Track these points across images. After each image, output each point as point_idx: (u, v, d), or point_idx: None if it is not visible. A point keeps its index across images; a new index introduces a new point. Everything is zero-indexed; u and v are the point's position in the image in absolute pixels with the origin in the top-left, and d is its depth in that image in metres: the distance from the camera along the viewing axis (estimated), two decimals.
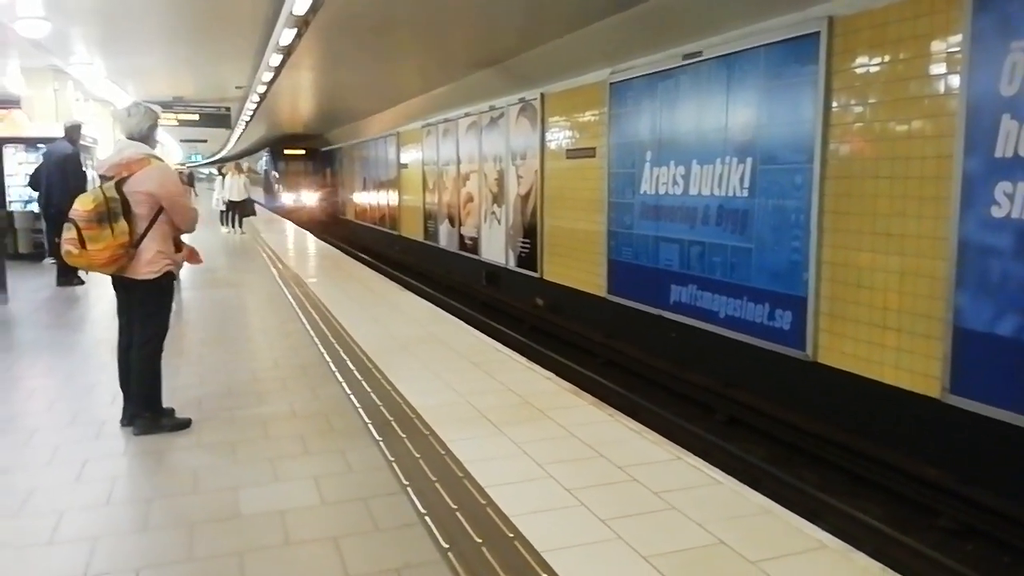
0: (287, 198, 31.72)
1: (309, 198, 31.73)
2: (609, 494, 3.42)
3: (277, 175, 32.62)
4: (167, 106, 18.31)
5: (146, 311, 4.32)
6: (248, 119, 24.06)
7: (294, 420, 4.54)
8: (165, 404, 4.43)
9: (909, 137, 6.01)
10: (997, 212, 5.23)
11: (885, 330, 6.28)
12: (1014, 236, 5.14)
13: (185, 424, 4.36)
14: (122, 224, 4.05)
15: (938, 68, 5.76)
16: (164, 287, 4.33)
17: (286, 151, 32.30)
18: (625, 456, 3.86)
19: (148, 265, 4.19)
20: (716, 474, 3.66)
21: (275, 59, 12.20)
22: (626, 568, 2.79)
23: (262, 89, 16.11)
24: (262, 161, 36.92)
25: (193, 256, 4.68)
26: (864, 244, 6.46)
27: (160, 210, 4.20)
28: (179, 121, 19.74)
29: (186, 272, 8.83)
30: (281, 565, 2.86)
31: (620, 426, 4.35)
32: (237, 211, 19.01)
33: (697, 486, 3.53)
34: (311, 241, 17.80)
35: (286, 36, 10.37)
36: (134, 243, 4.12)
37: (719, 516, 3.20)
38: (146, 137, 4.36)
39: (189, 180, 24.29)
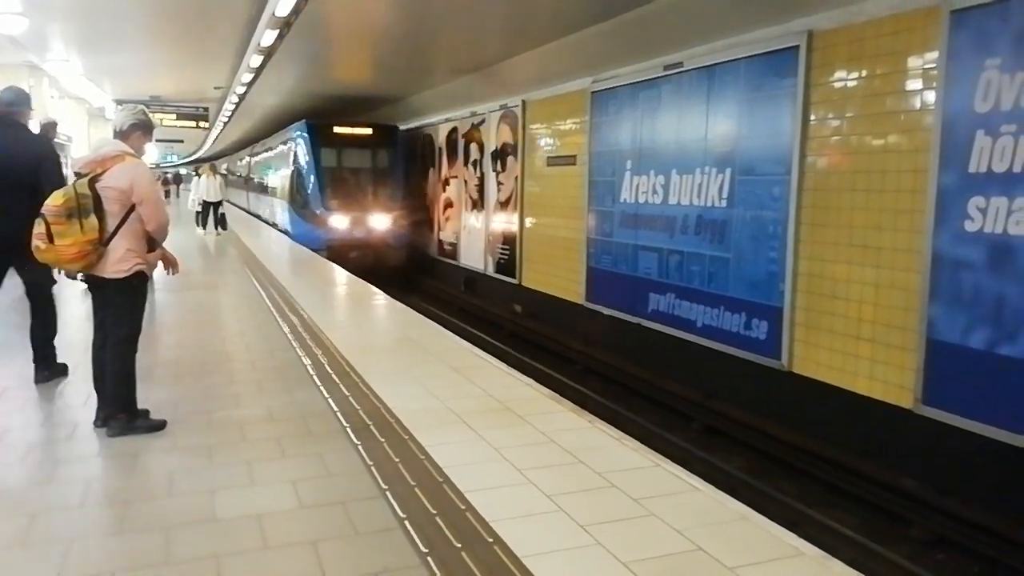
0: (336, 221, 16.35)
1: (380, 221, 16.62)
2: (589, 500, 3.43)
3: (315, 176, 16.88)
4: (144, 105, 18.11)
5: (117, 311, 4.26)
6: (227, 120, 23.88)
7: (271, 423, 4.50)
8: (140, 406, 4.37)
9: (885, 151, 6.11)
10: (970, 226, 5.33)
11: (859, 341, 6.37)
12: (986, 250, 5.24)
13: (160, 426, 4.31)
14: (92, 220, 3.99)
15: (914, 84, 5.87)
16: (135, 287, 4.27)
17: (336, 129, 17.21)
18: (605, 462, 3.87)
19: (118, 264, 4.13)
20: (695, 481, 3.68)
21: (255, 60, 12.12)
22: (606, 574, 2.80)
23: (241, 90, 16.01)
24: (279, 150, 21.16)
25: (169, 263, 4.61)
26: (840, 256, 6.55)
27: (132, 208, 4.15)
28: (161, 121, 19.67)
29: (159, 273, 8.73)
30: (259, 569, 2.83)
31: (600, 432, 4.36)
32: (213, 211, 18.84)
33: (676, 493, 3.55)
34: (288, 243, 17.70)
35: (267, 37, 10.31)
36: (104, 240, 4.07)
37: (698, 523, 3.22)
38: (126, 134, 4.31)
39: (175, 180, 24.44)
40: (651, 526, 3.19)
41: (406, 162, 17.84)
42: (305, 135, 17.20)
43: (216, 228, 18.66)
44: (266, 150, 24.77)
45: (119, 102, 17.23)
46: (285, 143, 19.78)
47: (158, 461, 3.91)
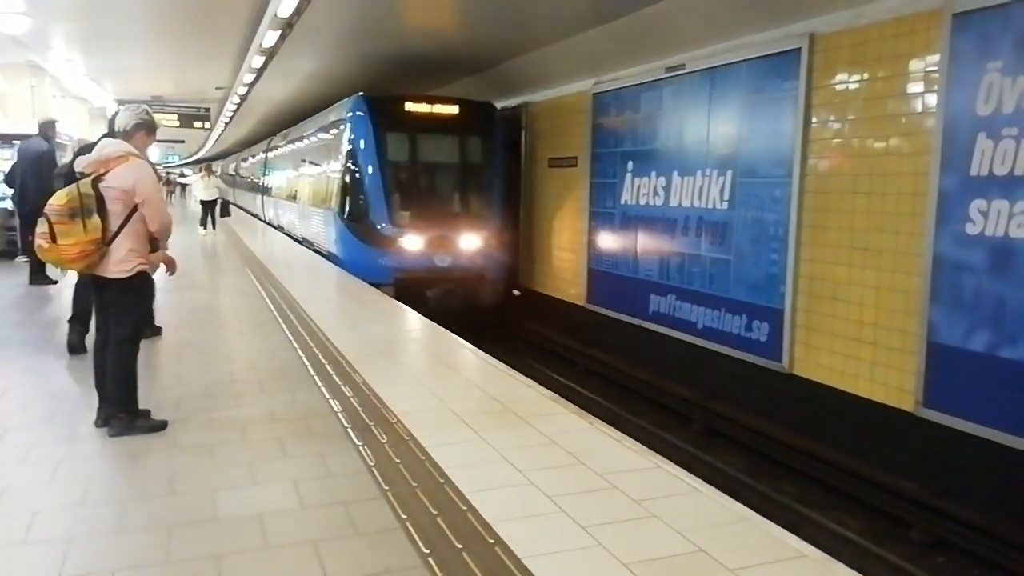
0: (409, 242, 11.42)
1: (471, 242, 11.67)
2: (590, 501, 3.43)
3: (376, 176, 11.70)
4: (147, 105, 18.12)
5: (119, 311, 4.26)
6: (228, 120, 23.89)
7: (272, 423, 4.50)
8: (141, 405, 4.37)
9: (886, 154, 6.12)
10: (971, 229, 5.33)
11: (860, 344, 6.37)
12: (988, 253, 5.24)
13: (161, 426, 4.30)
14: (95, 220, 3.99)
15: (916, 87, 5.87)
16: (137, 287, 4.27)
17: (409, 106, 11.96)
18: (606, 463, 3.87)
19: (120, 264, 4.13)
20: (696, 482, 3.68)
21: (257, 61, 12.14)
22: (606, 575, 2.79)
23: (243, 91, 16.02)
24: (317, 140, 15.45)
25: (168, 264, 4.60)
26: (841, 258, 6.55)
27: (135, 208, 4.15)
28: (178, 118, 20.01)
29: (159, 274, 8.73)
30: (260, 568, 2.83)
31: (601, 434, 4.36)
32: (209, 211, 18.87)
33: (677, 494, 3.55)
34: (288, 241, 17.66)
35: (269, 38, 10.32)
36: (106, 240, 4.07)
37: (699, 524, 3.22)
38: (130, 134, 4.32)
39: (166, 182, 23.66)
40: (652, 527, 3.19)
41: (506, 155, 12.26)
42: (362, 115, 11.61)
43: (212, 226, 18.68)
44: (294, 141, 18.23)
45: (121, 102, 17.22)
46: (328, 129, 13.79)
47: (159, 460, 3.91)
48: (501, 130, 12.21)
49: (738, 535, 3.14)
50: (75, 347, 5.90)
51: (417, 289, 10.73)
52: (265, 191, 24.08)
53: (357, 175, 11.75)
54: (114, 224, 4.09)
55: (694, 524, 3.21)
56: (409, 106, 11.75)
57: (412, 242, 11.24)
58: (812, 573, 2.86)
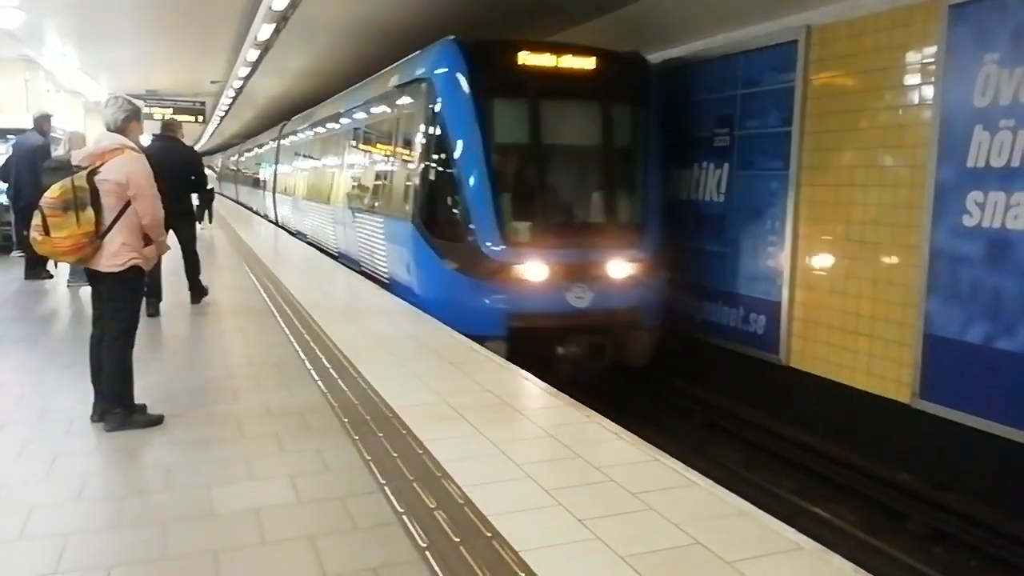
0: (530, 271, 7.27)
1: (621, 269, 7.47)
2: (587, 494, 3.43)
3: (477, 166, 7.46)
4: (139, 99, 18.07)
5: (113, 305, 4.25)
6: (223, 114, 23.82)
7: (269, 418, 4.49)
8: (137, 400, 4.36)
9: (884, 146, 6.11)
10: (968, 221, 5.33)
11: (857, 336, 6.37)
12: (984, 245, 5.24)
13: (158, 420, 4.30)
14: (88, 213, 3.97)
15: (913, 78, 5.86)
16: (131, 280, 4.25)
17: (523, 58, 7.61)
18: (603, 457, 3.87)
19: (113, 257, 4.12)
20: (692, 475, 3.68)
21: (252, 54, 12.10)
22: (604, 568, 2.79)
23: (238, 84, 15.96)
24: (372, 114, 10.84)
25: (163, 247, 4.59)
26: (837, 251, 6.55)
27: (129, 202, 4.14)
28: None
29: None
30: (257, 564, 2.83)
31: (598, 427, 4.36)
32: (207, 204, 18.78)
33: (674, 487, 3.55)
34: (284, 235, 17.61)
35: (264, 31, 10.28)
36: (100, 234, 4.05)
37: (696, 517, 3.22)
38: (122, 129, 4.30)
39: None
40: (649, 520, 3.19)
41: (664, 135, 8.25)
42: (454, 71, 7.73)
43: (209, 219, 18.59)
44: (326, 123, 13.94)
45: (115, 96, 17.15)
46: (393, 98, 9.41)
47: (155, 456, 3.91)
48: (657, 96, 8.18)
49: (735, 527, 3.14)
50: (152, 315, 7.11)
51: (543, 344, 7.17)
52: (275, 187, 20.22)
53: (446, 166, 7.63)
54: (108, 217, 4.07)
55: (691, 517, 3.22)
56: (526, 58, 7.61)
57: (535, 270, 7.21)
58: (808, 564, 2.86)
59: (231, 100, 19.56)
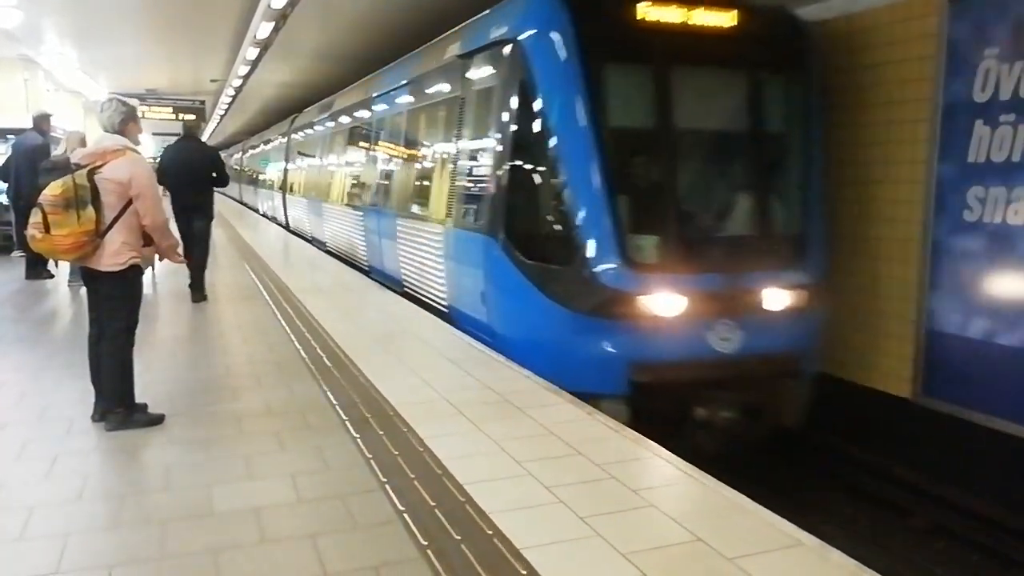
0: (664, 305, 5.24)
1: (781, 300, 5.52)
2: (588, 491, 3.42)
3: (577, 149, 5.40)
4: (140, 99, 18.08)
5: (112, 304, 4.25)
6: (223, 113, 23.81)
7: (269, 417, 4.49)
8: (138, 399, 4.36)
9: (884, 141, 6.09)
10: (969, 216, 5.32)
11: (855, 332, 6.36)
12: (985, 240, 5.23)
13: (158, 420, 4.30)
14: (89, 212, 3.98)
15: (913, 73, 5.84)
16: (131, 280, 4.25)
17: (645, 12, 5.52)
18: (603, 454, 3.87)
19: (113, 256, 4.12)
20: (693, 472, 3.68)
21: (252, 53, 12.08)
22: (604, 565, 2.79)
23: (238, 83, 15.95)
24: (410, 95, 9.06)
25: (171, 253, 4.58)
26: (836, 246, 6.53)
27: (130, 202, 4.14)
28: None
29: (160, 268, 8.68)
30: (257, 563, 2.82)
31: (599, 424, 4.35)
32: None
33: (674, 483, 3.55)
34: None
35: (263, 29, 10.27)
36: (100, 233, 4.05)
37: (696, 513, 3.22)
38: (120, 130, 4.29)
39: None
40: (650, 517, 3.19)
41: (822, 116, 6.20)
42: (552, 30, 5.68)
43: None
44: (357, 108, 11.65)
45: (115, 95, 17.14)
46: (461, 71, 7.19)
47: (155, 455, 3.91)
48: (819, 64, 6.15)
49: (735, 523, 3.14)
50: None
51: (677, 404, 5.45)
52: (286, 187, 18.25)
53: (539, 160, 5.80)
54: (108, 216, 4.07)
55: (691, 513, 3.21)
56: (650, 10, 5.65)
57: (667, 303, 5.32)
58: (808, 560, 2.86)
59: (231, 98, 19.56)
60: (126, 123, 4.33)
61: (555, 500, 3.33)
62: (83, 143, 6.53)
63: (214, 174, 8.48)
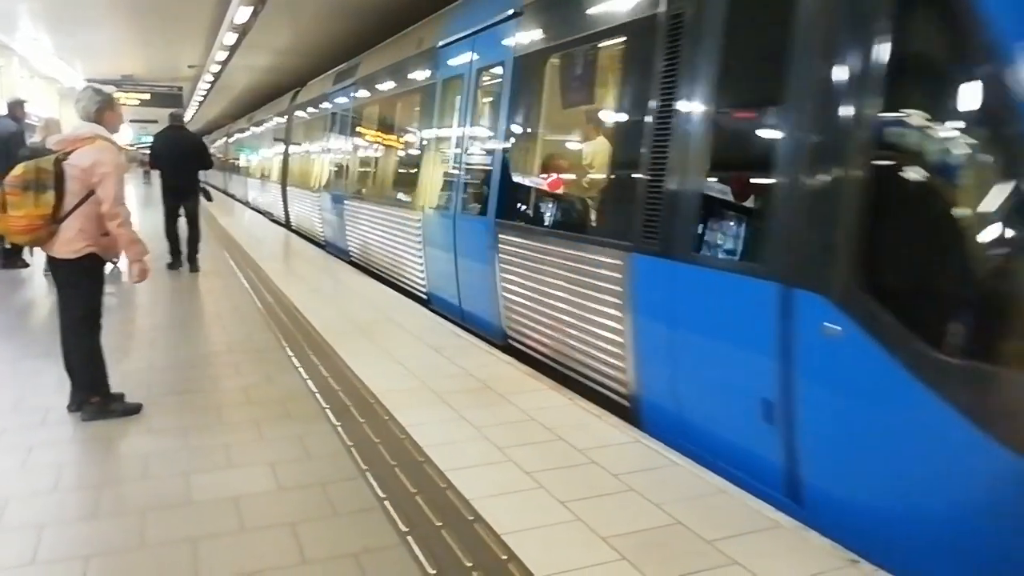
0: None
1: None
2: (568, 477, 3.43)
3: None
4: (115, 84, 17.82)
5: (67, 292, 4.19)
6: (202, 99, 23.51)
7: (249, 405, 4.46)
8: (115, 389, 4.31)
9: None
10: None
11: None
12: None
13: (135, 409, 4.25)
14: (48, 196, 3.92)
15: None
16: (87, 268, 4.14)
17: None
18: (584, 439, 3.88)
19: (67, 244, 4.05)
20: (674, 455, 3.69)
21: (230, 38, 11.93)
22: (585, 549, 2.80)
23: (216, 68, 15.76)
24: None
25: (131, 247, 4.20)
26: None
27: (92, 191, 4.06)
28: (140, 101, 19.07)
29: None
30: (236, 551, 2.81)
31: (580, 410, 4.36)
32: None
33: (655, 467, 3.56)
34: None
35: (241, 14, 10.14)
36: (57, 219, 3.98)
37: (677, 497, 3.23)
38: (96, 119, 4.21)
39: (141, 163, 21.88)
40: (630, 501, 3.20)
41: None
42: None
43: None
44: (431, 62, 7.73)
45: (91, 80, 16.88)
46: None
47: (132, 445, 3.87)
48: None
49: (715, 507, 3.16)
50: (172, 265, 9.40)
51: None
52: (287, 178, 15.83)
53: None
54: (69, 203, 4.01)
55: (672, 497, 3.23)
56: None
57: None
58: (787, 542, 2.88)
59: (210, 84, 19.31)
60: (102, 112, 4.25)
61: (536, 485, 3.33)
62: (60, 129, 6.42)
63: (200, 158, 9.72)
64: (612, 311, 4.37)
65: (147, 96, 19.56)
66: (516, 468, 3.52)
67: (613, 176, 4.75)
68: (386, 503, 3.16)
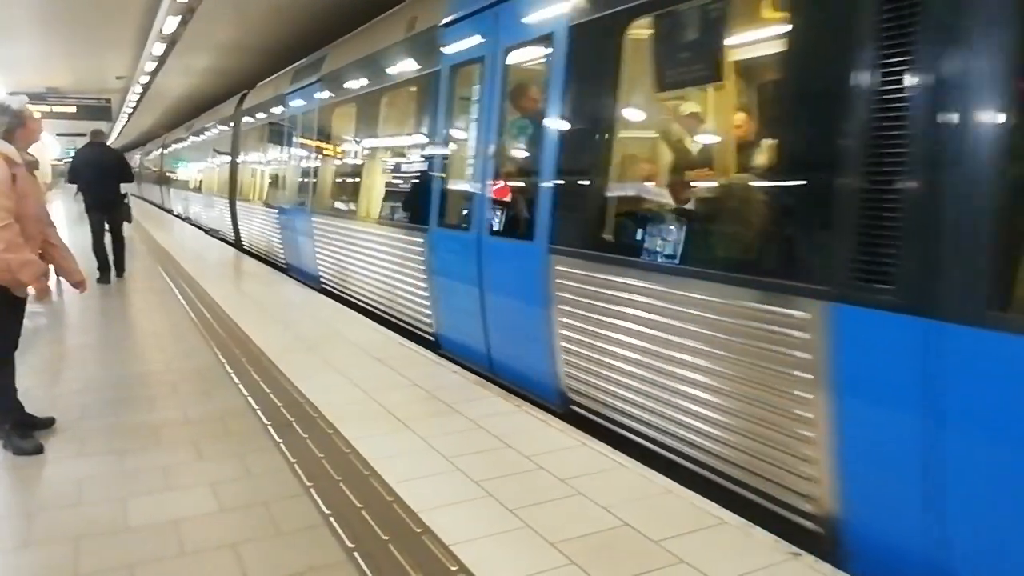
0: None
1: None
2: (516, 483, 3.43)
3: None
4: (40, 98, 17.22)
5: None
6: (131, 111, 22.87)
7: (187, 425, 4.33)
8: (46, 413, 4.15)
9: None
10: None
11: None
12: None
13: (35, 451, 3.90)
14: None
15: None
16: None
17: None
18: (532, 445, 3.88)
19: None
20: (621, 458, 3.72)
21: (158, 48, 11.64)
22: (534, 555, 2.80)
23: (145, 80, 15.36)
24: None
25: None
26: None
27: None
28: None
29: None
30: None
31: (527, 416, 4.37)
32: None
33: (603, 471, 3.58)
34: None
35: (169, 24, 9.91)
36: None
37: (624, 499, 3.26)
38: (7, 138, 3.96)
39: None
40: (578, 505, 3.21)
41: None
42: None
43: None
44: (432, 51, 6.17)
45: (13, 95, 16.22)
46: None
47: (65, 470, 3.71)
48: None
49: (662, 507, 3.20)
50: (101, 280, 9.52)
51: None
52: (236, 192, 14.33)
53: None
54: None
55: (619, 499, 3.25)
56: None
57: None
58: (732, 538, 2.93)
59: (139, 95, 18.80)
60: (12, 131, 4.01)
61: (484, 494, 3.32)
62: None
63: (121, 172, 10.10)
64: (790, 389, 2.94)
65: (73, 109, 18.97)
66: (464, 477, 3.50)
67: (795, 183, 3.02)
68: (331, 519, 3.11)
